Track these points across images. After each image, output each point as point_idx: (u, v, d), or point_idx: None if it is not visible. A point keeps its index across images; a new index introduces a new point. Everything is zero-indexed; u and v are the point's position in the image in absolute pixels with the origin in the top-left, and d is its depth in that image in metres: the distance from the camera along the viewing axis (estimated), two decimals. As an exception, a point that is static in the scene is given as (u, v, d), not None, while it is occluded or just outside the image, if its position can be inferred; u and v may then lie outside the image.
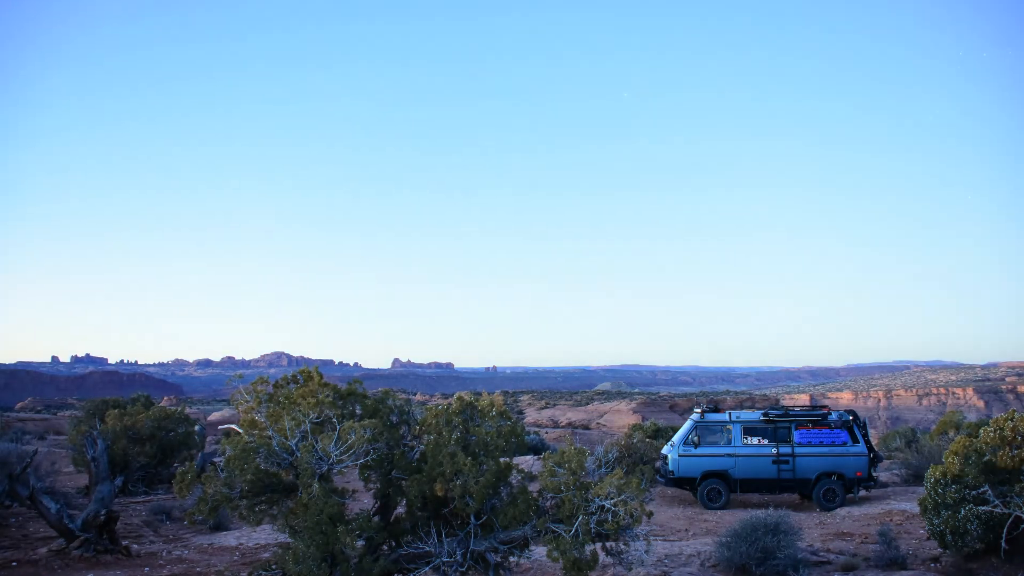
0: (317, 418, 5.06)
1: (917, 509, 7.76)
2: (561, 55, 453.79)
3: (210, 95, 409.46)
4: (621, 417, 58.30)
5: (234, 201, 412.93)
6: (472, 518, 4.92)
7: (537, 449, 19.06)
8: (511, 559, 5.24)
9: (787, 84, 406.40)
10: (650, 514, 5.21)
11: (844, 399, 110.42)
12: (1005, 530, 5.64)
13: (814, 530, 9.01)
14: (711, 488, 11.41)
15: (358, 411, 5.35)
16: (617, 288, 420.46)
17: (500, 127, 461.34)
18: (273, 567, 5.03)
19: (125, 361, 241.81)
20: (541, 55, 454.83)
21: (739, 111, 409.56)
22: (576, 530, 4.76)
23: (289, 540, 5.10)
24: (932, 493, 6.35)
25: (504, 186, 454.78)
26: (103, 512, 7.12)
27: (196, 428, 14.13)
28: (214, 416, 50.17)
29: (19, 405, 73.19)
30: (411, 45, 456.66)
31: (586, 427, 50.42)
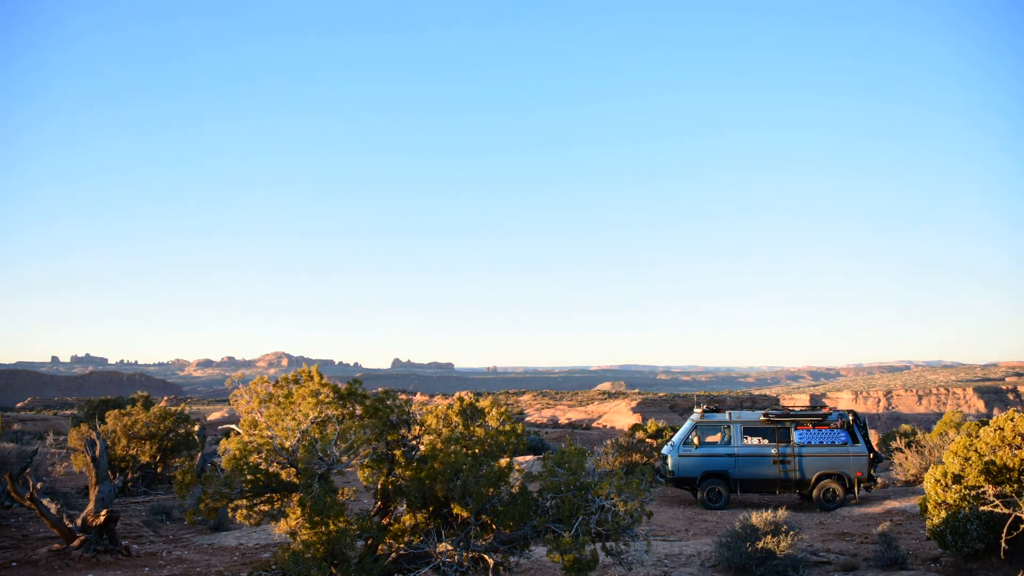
0: (317, 418, 5.06)
1: (917, 509, 7.76)
2: (549, 58, 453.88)
3: (211, 98, 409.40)
4: (621, 417, 58.22)
5: (235, 202, 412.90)
6: (472, 518, 4.92)
7: (537, 449, 19.04)
8: (511, 559, 5.23)
9: (788, 83, 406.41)
10: (650, 514, 5.21)
11: (844, 399, 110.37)
12: (1005, 530, 5.64)
13: (814, 530, 9.00)
14: (711, 488, 11.40)
15: (358, 411, 5.35)
16: (618, 288, 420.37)
17: (502, 130, 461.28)
18: (273, 567, 5.03)
19: (125, 361, 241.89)
20: (527, 60, 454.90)
21: (745, 112, 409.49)
22: (576, 530, 4.76)
23: (289, 540, 5.10)
24: (932, 493, 6.35)
25: (504, 187, 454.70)
26: (103, 512, 7.12)
27: (196, 428, 14.13)
28: (214, 416, 50.11)
29: (19, 405, 73.10)
30: (411, 53, 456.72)
31: (586, 427, 50.40)
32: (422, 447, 5.33)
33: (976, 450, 6.16)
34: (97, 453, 7.65)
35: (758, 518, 6.73)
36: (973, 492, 5.93)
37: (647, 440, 16.19)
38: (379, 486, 5.31)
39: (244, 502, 4.95)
